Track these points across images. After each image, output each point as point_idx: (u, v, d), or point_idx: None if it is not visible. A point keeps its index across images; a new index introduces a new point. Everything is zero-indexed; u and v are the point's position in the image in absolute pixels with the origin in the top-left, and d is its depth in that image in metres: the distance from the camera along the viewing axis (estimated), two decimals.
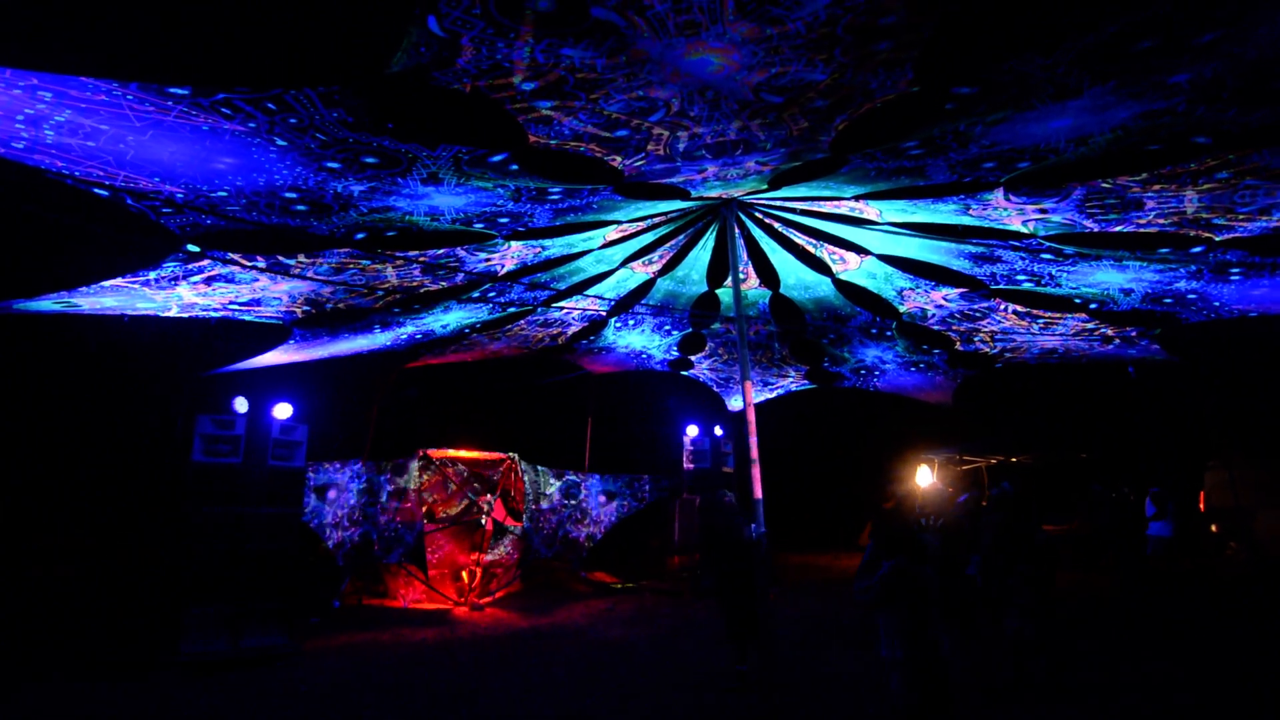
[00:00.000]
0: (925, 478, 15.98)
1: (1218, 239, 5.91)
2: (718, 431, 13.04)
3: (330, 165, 4.52)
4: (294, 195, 4.94)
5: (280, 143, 4.19)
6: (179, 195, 4.87)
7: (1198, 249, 6.14)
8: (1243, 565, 13.76)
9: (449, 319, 8.69)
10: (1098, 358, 10.05)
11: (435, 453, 11.33)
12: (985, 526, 7.84)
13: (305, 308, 7.48)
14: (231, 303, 7.13)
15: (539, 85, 3.66)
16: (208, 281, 6.48)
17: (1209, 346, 9.08)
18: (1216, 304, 7.48)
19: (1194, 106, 4.07)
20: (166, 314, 7.19)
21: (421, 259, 6.62)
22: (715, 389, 13.30)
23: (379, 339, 9.09)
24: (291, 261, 6.26)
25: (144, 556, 10.94)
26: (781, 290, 8.90)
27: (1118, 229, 5.96)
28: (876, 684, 6.67)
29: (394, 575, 11.23)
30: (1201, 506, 14.68)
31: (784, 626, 9.06)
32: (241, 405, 8.01)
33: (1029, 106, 4.09)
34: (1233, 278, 6.72)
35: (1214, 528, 14.39)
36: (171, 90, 3.58)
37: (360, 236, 5.86)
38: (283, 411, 8.30)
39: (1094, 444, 15.99)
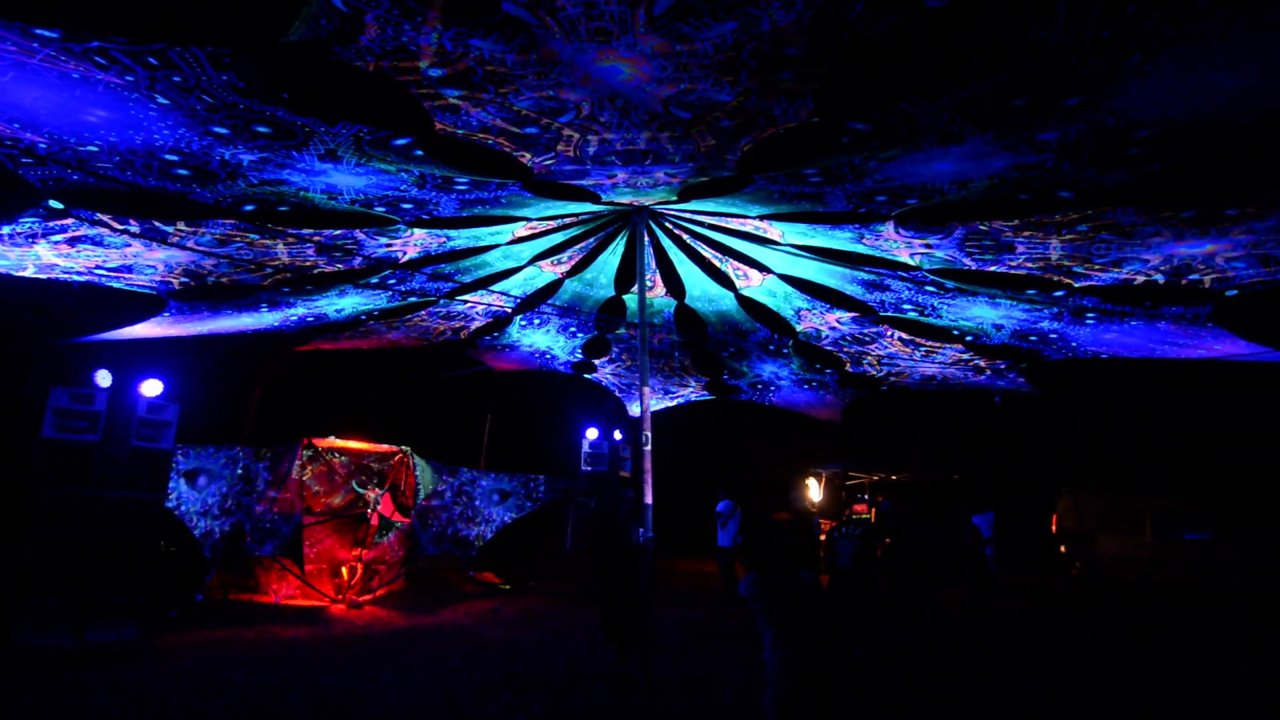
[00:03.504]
0: (814, 491, 16.65)
1: (1076, 285, 6.49)
2: (617, 436, 13.13)
3: (218, 130, 4.26)
4: (175, 158, 4.62)
5: (162, 100, 3.92)
6: (41, 146, 4.46)
7: (1059, 293, 6.72)
8: (1085, 583, 15.14)
9: (344, 303, 8.34)
10: (971, 386, 10.80)
11: (321, 442, 10.83)
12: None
13: (184, 279, 7.00)
14: (98, 267, 6.58)
15: (446, 73, 3.59)
16: (71, 242, 5.95)
17: (1066, 383, 9.95)
18: (1074, 344, 8.21)
19: (1059, 163, 4.46)
20: (21, 273, 6.55)
21: (316, 238, 6.33)
22: (617, 394, 13.39)
23: (266, 319, 8.61)
24: (170, 229, 5.85)
25: None
26: (687, 301, 9.07)
27: (992, 268, 6.44)
28: (752, 686, 6.90)
29: (266, 569, 10.63)
30: (1054, 529, 16.04)
31: (669, 631, 9.21)
32: (104, 379, 7.38)
33: (917, 148, 4.36)
34: (1088, 321, 7.39)
35: (1062, 548, 15.75)
36: (38, 31, 3.28)
37: (249, 209, 5.55)
38: (151, 388, 7.72)
39: (965, 466, 17.17)
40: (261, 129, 4.25)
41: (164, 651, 7.28)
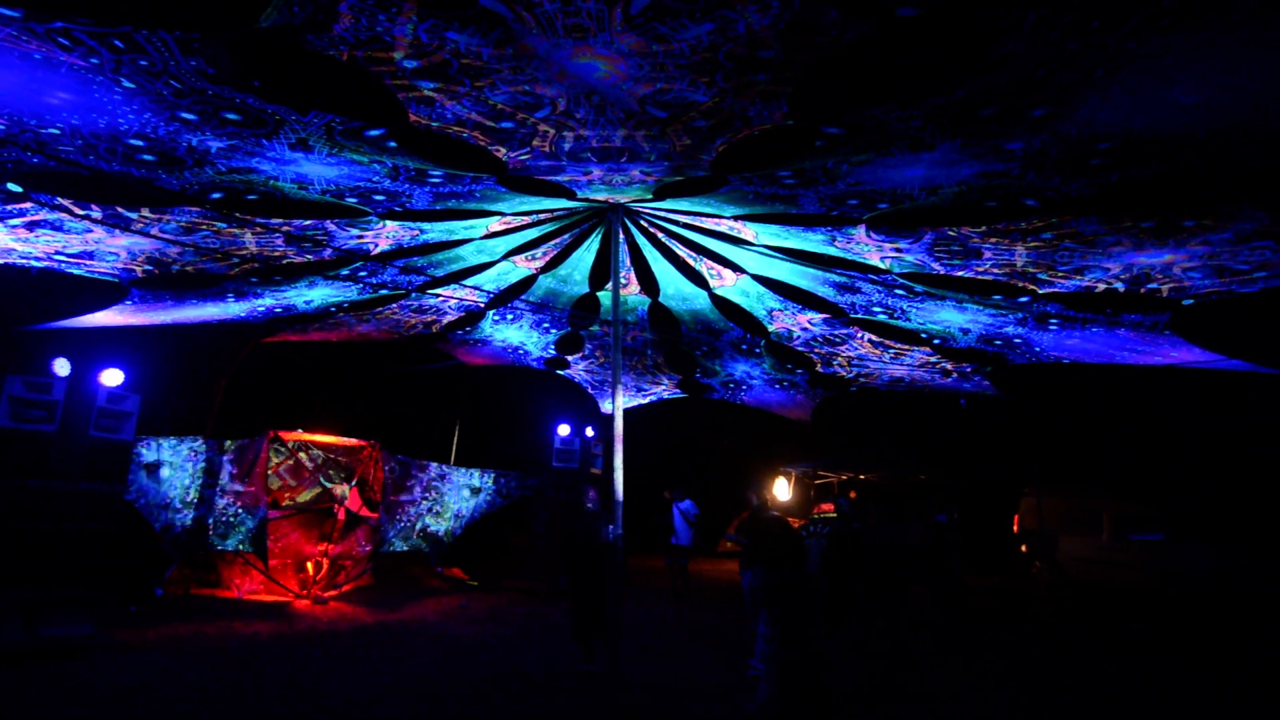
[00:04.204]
0: (783, 489, 16.80)
1: (1040, 291, 6.64)
2: (589, 433, 13.12)
3: (185, 116, 4.17)
4: (140, 143, 4.52)
5: (127, 84, 3.83)
6: (0, 128, 4.33)
7: (1024, 299, 6.87)
8: (1046, 582, 15.51)
9: (313, 295, 8.22)
10: (938, 389, 10.98)
11: (288, 435, 10.68)
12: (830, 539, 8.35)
13: (147, 267, 6.84)
14: (58, 253, 6.40)
15: (421, 65, 3.56)
16: (30, 227, 5.79)
17: (1029, 387, 10.17)
18: (1037, 349, 8.39)
19: (1025, 172, 4.56)
20: None
21: (285, 228, 6.23)
22: (590, 390, 13.38)
23: (232, 309, 8.45)
24: (134, 215, 5.71)
25: None
26: (660, 299, 9.10)
27: (960, 273, 6.56)
28: (722, 685, 6.96)
29: (229, 563, 10.47)
30: (1015, 529, 16.39)
31: (636, 628, 9.24)
32: (62, 368, 7.21)
33: (888, 153, 4.43)
34: (1051, 327, 7.56)
35: (1024, 548, 16.10)
36: None
37: (216, 196, 5.44)
38: (112, 378, 7.56)
39: (931, 467, 17.47)
40: (230, 116, 4.17)
41: (121, 647, 7.13)
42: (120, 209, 5.61)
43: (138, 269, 6.91)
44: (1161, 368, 8.44)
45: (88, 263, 6.69)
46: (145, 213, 5.71)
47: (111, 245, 6.29)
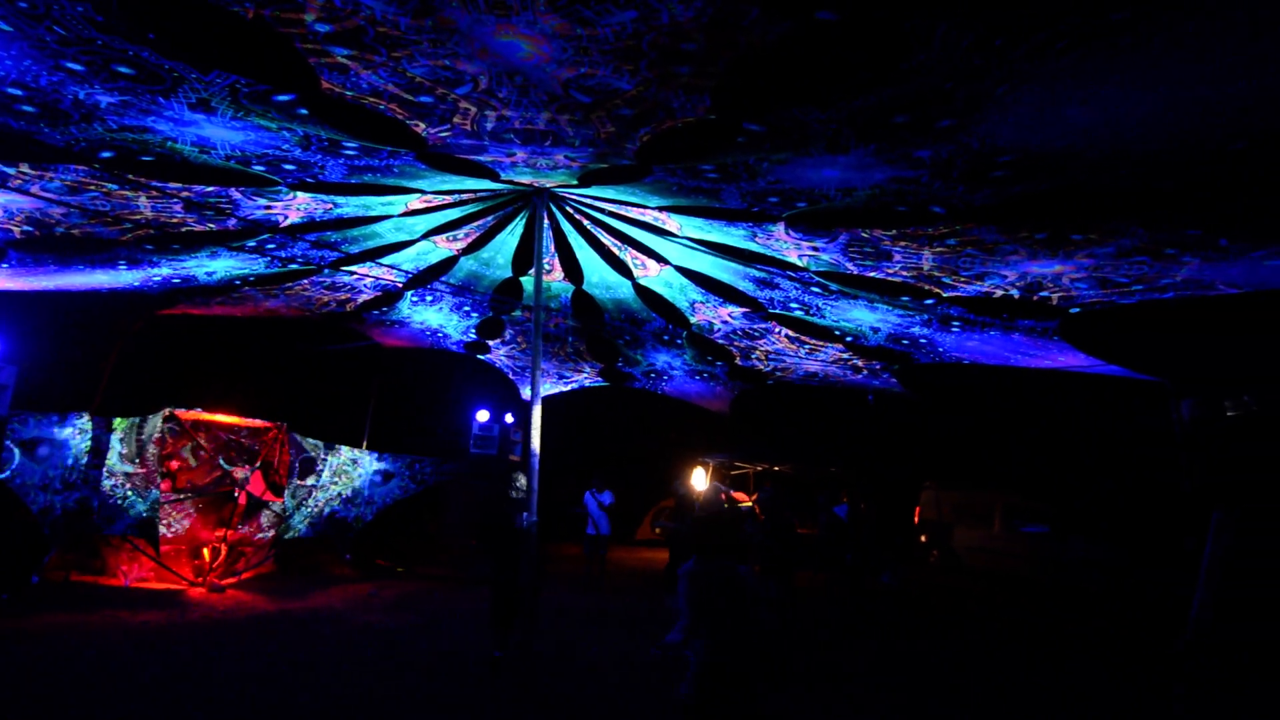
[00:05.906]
0: (700, 479, 17.07)
1: (944, 295, 6.98)
2: (508, 419, 12.98)
3: (71, 66, 3.85)
4: (19, 92, 4.15)
5: (4, 27, 3.50)
6: None
7: (930, 301, 7.20)
8: (942, 570, 16.41)
9: (216, 266, 7.77)
10: (850, 385, 11.40)
11: (185, 414, 10.11)
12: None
13: (26, 228, 6.31)
14: None
15: (334, 29, 3.41)
16: None
17: (933, 386, 10.69)
18: (941, 349, 8.83)
19: (933, 180, 4.77)
20: None
21: (185, 194, 5.86)
22: (511, 376, 13.22)
23: (124, 277, 7.89)
24: (11, 170, 5.25)
25: None
26: (584, 287, 9.06)
27: (872, 274, 6.82)
28: (633, 671, 7.05)
29: (116, 549, 9.84)
30: (916, 520, 17.26)
31: (552, 616, 9.24)
32: None
33: (807, 153, 4.55)
34: (954, 329, 7.97)
35: (923, 538, 16.98)
36: None
37: (106, 155, 5.06)
38: None
39: (841, 460, 18.16)
40: (123, 69, 3.88)
41: None
42: None
43: (16, 229, 6.36)
44: (1059, 373, 9.02)
45: None
46: (24, 168, 5.26)
47: None
